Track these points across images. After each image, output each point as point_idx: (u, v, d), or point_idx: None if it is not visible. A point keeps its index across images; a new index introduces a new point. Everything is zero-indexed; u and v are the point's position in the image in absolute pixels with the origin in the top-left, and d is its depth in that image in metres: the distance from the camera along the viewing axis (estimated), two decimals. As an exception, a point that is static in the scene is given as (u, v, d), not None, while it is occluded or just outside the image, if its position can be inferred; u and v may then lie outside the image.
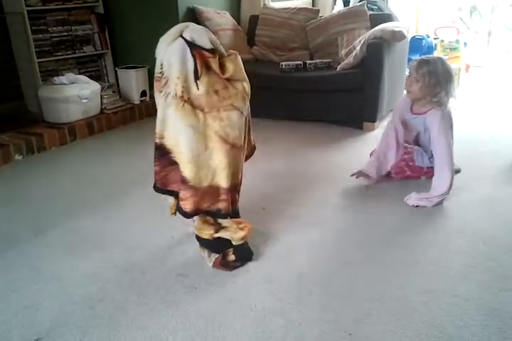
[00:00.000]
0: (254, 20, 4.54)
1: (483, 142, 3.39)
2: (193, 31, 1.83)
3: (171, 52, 1.82)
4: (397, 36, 3.56)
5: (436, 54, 5.36)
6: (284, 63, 3.94)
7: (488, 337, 1.57)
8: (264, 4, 4.66)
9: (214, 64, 1.83)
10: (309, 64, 3.91)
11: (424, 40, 5.25)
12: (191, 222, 2.05)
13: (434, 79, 2.38)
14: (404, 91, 2.70)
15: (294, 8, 4.48)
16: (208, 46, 1.83)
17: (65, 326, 1.70)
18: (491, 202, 2.49)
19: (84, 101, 3.76)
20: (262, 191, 2.70)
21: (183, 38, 1.82)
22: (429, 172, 2.66)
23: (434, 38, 5.46)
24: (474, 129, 3.67)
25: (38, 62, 3.96)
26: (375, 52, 3.45)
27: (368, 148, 3.28)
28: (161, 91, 1.86)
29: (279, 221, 2.35)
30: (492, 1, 6.29)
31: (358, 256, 2.06)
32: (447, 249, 2.09)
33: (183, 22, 4.01)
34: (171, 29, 1.88)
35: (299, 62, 3.94)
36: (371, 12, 4.35)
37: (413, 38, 5.20)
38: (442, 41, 5.38)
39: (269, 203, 2.54)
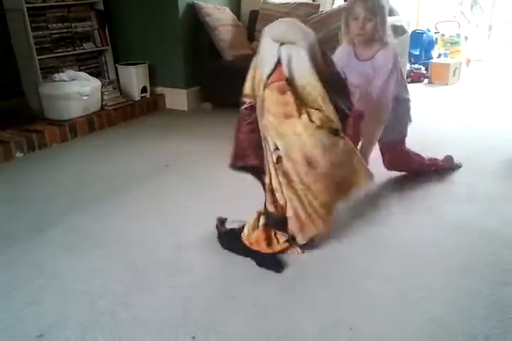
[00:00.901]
0: (254, 15, 4.52)
1: (483, 137, 3.38)
2: None
3: None
4: (398, 30, 3.55)
5: (437, 48, 5.35)
6: (283, 58, 3.92)
7: (489, 330, 1.58)
8: (264, -1, 4.65)
9: None
10: (309, 59, 3.89)
11: (424, 35, 5.24)
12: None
13: (382, 15, 2.24)
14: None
15: (294, 3, 4.46)
16: None
17: (66, 322, 1.70)
18: (491, 198, 2.49)
19: (84, 97, 3.76)
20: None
21: None
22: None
23: (435, 32, 5.44)
24: (474, 124, 3.67)
25: (38, 59, 3.95)
26: (376, 47, 3.44)
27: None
28: None
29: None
30: (493, -6, 6.27)
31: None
32: (447, 245, 2.09)
33: (182, 18, 4.05)
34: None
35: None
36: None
37: (414, 32, 5.19)
38: (443, 35, 5.36)
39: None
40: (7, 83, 3.90)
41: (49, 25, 4.09)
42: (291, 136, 1.77)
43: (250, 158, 1.96)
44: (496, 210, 2.36)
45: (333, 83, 1.80)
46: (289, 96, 1.73)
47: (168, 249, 2.13)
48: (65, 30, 4.22)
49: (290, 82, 1.74)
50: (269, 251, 1.98)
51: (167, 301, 1.79)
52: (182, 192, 2.69)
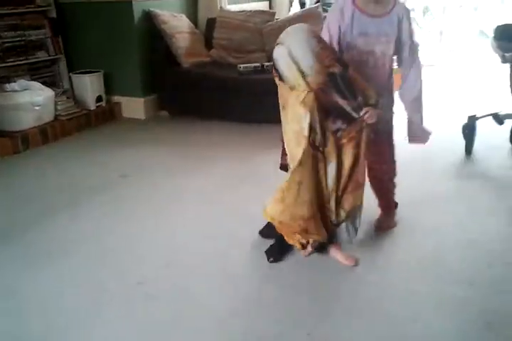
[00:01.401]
0: (211, 23, 4.52)
1: (436, 139, 3.46)
2: None
3: None
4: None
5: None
6: (242, 65, 3.95)
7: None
8: (221, 7, 4.65)
9: None
10: (267, 66, 3.92)
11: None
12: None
13: None
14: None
15: (250, 10, 4.49)
16: None
17: None
18: (443, 198, 2.56)
19: (37, 108, 3.65)
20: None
21: None
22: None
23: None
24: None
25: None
26: (331, 54, 3.49)
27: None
28: None
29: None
30: (443, 2, 6.47)
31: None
32: (400, 245, 2.14)
33: (138, 25, 4.00)
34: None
35: (257, 65, 3.95)
36: (326, 14, 4.39)
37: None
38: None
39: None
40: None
41: (1, 34, 3.97)
42: (285, 125, 1.92)
43: (284, 157, 2.01)
44: (446, 212, 2.43)
45: (335, 84, 1.78)
46: (279, 88, 1.91)
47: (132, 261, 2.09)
48: (18, 39, 4.10)
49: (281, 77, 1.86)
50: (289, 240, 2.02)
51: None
52: (137, 204, 2.64)
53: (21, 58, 4.12)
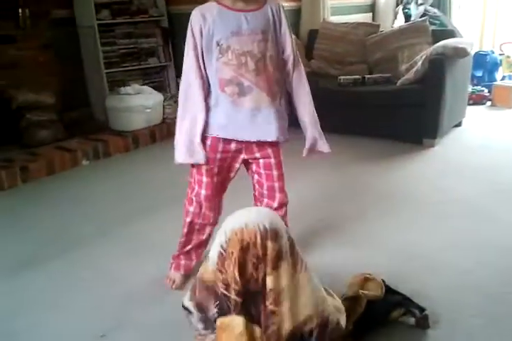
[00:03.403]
0: (313, 34, 4.59)
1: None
2: None
3: None
4: (460, 53, 3.51)
5: (501, 70, 5.22)
6: (342, 77, 3.96)
7: None
8: (324, 19, 4.71)
9: None
10: (368, 78, 3.91)
11: (488, 56, 5.12)
12: None
13: None
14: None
15: (354, 22, 4.51)
16: None
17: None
18: None
19: (147, 110, 3.92)
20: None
21: None
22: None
23: (500, 54, 5.32)
24: None
25: (106, 73, 4.18)
26: (437, 69, 3.41)
27: (427, 165, 3.24)
28: None
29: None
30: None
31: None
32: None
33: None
34: None
35: (358, 77, 3.94)
36: (433, 27, 4.32)
37: (477, 53, 5.09)
38: (508, 57, 5.22)
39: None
40: (75, 94, 4.13)
41: (117, 41, 4.32)
42: None
43: None
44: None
45: None
46: None
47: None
48: (132, 46, 4.44)
49: None
50: None
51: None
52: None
53: (135, 64, 4.46)
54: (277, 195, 1.97)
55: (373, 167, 3.26)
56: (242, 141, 1.82)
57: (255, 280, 1.24)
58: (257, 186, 1.99)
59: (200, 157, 1.80)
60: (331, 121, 3.95)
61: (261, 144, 1.86)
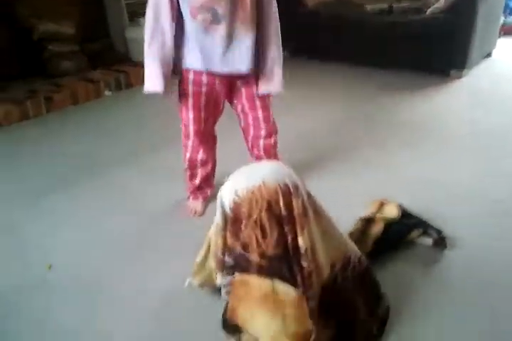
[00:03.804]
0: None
1: None
2: None
3: None
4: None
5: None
6: (369, 6, 3.81)
7: None
8: None
9: None
10: (396, 7, 3.75)
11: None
12: None
13: None
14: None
15: None
16: None
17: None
18: None
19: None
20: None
21: None
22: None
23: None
24: None
25: (126, 3, 4.07)
26: (469, -4, 3.25)
27: (454, 97, 3.17)
28: None
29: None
30: None
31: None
32: None
33: None
34: None
35: (385, 5, 3.79)
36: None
37: (512, -19, 4.79)
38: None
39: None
40: (95, 25, 4.05)
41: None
42: None
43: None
44: None
45: None
46: None
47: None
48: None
49: None
50: None
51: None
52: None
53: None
54: (263, 126, 1.96)
55: (398, 98, 3.21)
56: (222, 74, 1.76)
57: (284, 241, 1.08)
58: (242, 117, 1.97)
59: (160, 86, 1.72)
60: (356, 52, 3.88)
61: (242, 76, 1.80)
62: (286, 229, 1.08)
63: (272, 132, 2.00)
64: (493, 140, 2.56)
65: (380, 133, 2.71)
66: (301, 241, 1.09)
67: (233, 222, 1.13)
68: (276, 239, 1.08)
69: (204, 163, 2.02)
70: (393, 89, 3.38)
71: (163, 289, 1.59)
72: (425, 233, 1.71)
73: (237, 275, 1.17)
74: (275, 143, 2.05)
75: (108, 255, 1.80)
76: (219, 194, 1.16)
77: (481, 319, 1.39)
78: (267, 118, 1.95)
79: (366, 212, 1.73)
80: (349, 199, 2.01)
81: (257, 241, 1.09)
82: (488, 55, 3.93)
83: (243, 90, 1.87)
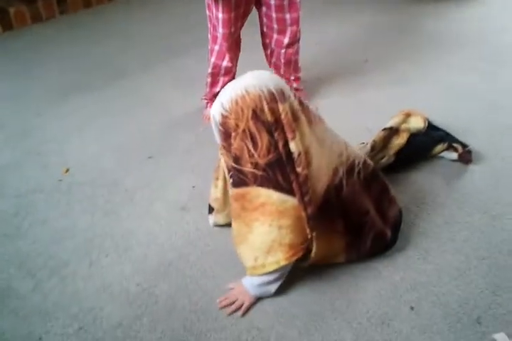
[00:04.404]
0: None
1: None
2: None
3: None
4: None
5: None
6: None
7: None
8: None
9: None
10: None
11: None
12: None
13: None
14: None
15: None
16: None
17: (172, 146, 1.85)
18: None
19: None
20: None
21: None
22: None
23: None
24: None
25: None
26: None
27: (487, 8, 2.95)
28: None
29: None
30: None
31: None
32: None
33: None
34: None
35: None
36: None
37: None
38: None
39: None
40: None
41: None
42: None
43: None
44: None
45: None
46: None
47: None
48: None
49: None
50: None
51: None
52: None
53: None
54: (289, 29, 1.83)
55: (425, 8, 3.00)
56: None
57: (275, 148, 1.05)
58: (265, 20, 1.84)
59: None
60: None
61: None
62: (276, 135, 1.05)
63: (296, 39, 1.88)
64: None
65: (411, 44, 2.56)
66: (292, 145, 1.06)
67: (226, 136, 1.11)
68: (267, 147, 1.06)
69: (228, 72, 1.93)
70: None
71: (180, 199, 1.60)
72: (451, 147, 1.65)
73: (234, 190, 1.15)
74: (297, 51, 1.94)
75: (126, 160, 1.80)
76: (211, 111, 1.11)
77: (494, 235, 1.37)
78: (295, 21, 1.82)
79: (391, 122, 1.67)
80: (375, 112, 1.94)
81: (249, 151, 1.07)
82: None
83: None
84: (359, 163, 1.24)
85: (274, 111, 1.04)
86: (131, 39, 2.77)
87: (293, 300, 1.22)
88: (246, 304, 1.21)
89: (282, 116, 1.04)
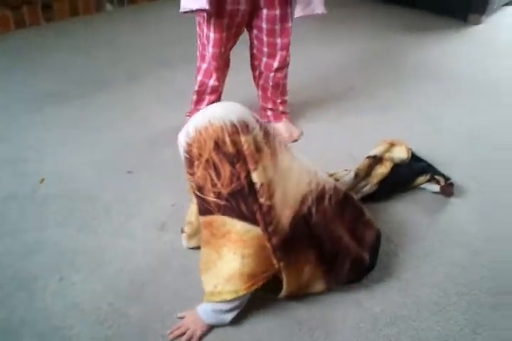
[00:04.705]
0: None
1: None
2: None
3: None
4: None
5: None
6: None
7: None
8: None
9: None
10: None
11: None
12: None
13: None
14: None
15: None
16: None
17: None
18: None
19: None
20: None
21: None
22: None
23: None
24: None
25: None
26: None
27: (469, 43, 3.04)
28: None
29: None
30: None
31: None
32: None
33: None
34: None
35: None
36: None
37: None
38: None
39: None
40: None
41: None
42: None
43: None
44: None
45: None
46: None
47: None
48: None
49: None
50: None
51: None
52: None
53: None
54: (279, 53, 1.84)
55: (413, 39, 3.06)
56: None
57: (237, 179, 1.06)
58: (255, 42, 1.85)
59: (203, 2, 1.55)
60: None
61: None
62: (237, 166, 1.06)
63: (285, 63, 1.89)
64: (507, 90, 2.48)
65: (393, 72, 2.61)
66: (255, 176, 1.07)
67: (190, 164, 1.12)
68: (229, 177, 1.07)
69: (214, 91, 1.92)
70: (408, 29, 3.19)
71: (158, 217, 1.56)
72: (433, 179, 1.67)
73: (201, 218, 1.16)
74: (286, 75, 1.95)
75: (105, 174, 1.75)
76: (178, 136, 1.13)
77: (475, 271, 1.37)
78: (286, 46, 1.83)
79: (375, 150, 1.68)
80: (359, 139, 1.96)
81: (212, 180, 1.09)
82: (510, 2, 3.72)
83: (265, 11, 1.73)
84: (330, 188, 1.24)
85: (236, 143, 1.06)
86: (118, 50, 2.74)
87: (271, 329, 1.19)
88: (198, 333, 1.17)
89: (244, 148, 1.06)
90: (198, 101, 1.96)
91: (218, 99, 1.99)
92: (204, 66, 1.85)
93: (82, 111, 2.14)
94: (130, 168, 1.77)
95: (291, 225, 1.12)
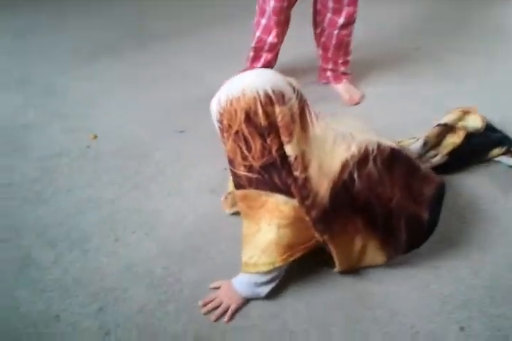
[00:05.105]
0: None
1: None
2: None
3: None
4: None
5: None
6: None
7: None
8: None
9: None
10: None
11: None
12: None
13: None
14: None
15: None
16: None
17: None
18: None
19: None
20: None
21: None
22: None
23: None
24: None
25: None
26: None
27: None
28: None
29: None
30: None
31: None
32: None
33: None
34: None
35: None
36: None
37: None
38: None
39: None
40: None
41: None
42: None
43: None
44: None
45: None
46: None
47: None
48: None
49: None
50: None
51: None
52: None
53: None
54: (345, 9, 1.70)
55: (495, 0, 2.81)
56: None
57: (269, 152, 1.01)
58: None
59: None
60: None
61: None
62: (269, 139, 1.01)
63: (352, 20, 1.75)
64: None
65: (465, 36, 2.41)
66: (288, 149, 1.02)
67: (222, 133, 1.07)
68: (260, 150, 1.02)
69: (272, 48, 1.81)
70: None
71: (210, 180, 1.50)
72: (509, 151, 1.53)
73: (236, 191, 1.11)
74: (351, 32, 1.81)
75: (156, 132, 1.70)
76: (211, 103, 1.05)
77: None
78: (353, 1, 1.69)
79: (446, 118, 1.54)
80: (423, 106, 1.82)
81: (242, 153, 1.04)
82: None
83: None
84: (373, 149, 1.13)
85: (269, 115, 1.00)
86: (165, 6, 2.64)
87: (329, 304, 1.13)
88: (232, 307, 1.11)
89: (279, 119, 1.00)
90: (254, 59, 1.86)
91: (275, 58, 1.89)
92: (263, 21, 1.74)
93: (130, 65, 2.09)
94: (182, 128, 1.71)
95: (331, 196, 1.05)
